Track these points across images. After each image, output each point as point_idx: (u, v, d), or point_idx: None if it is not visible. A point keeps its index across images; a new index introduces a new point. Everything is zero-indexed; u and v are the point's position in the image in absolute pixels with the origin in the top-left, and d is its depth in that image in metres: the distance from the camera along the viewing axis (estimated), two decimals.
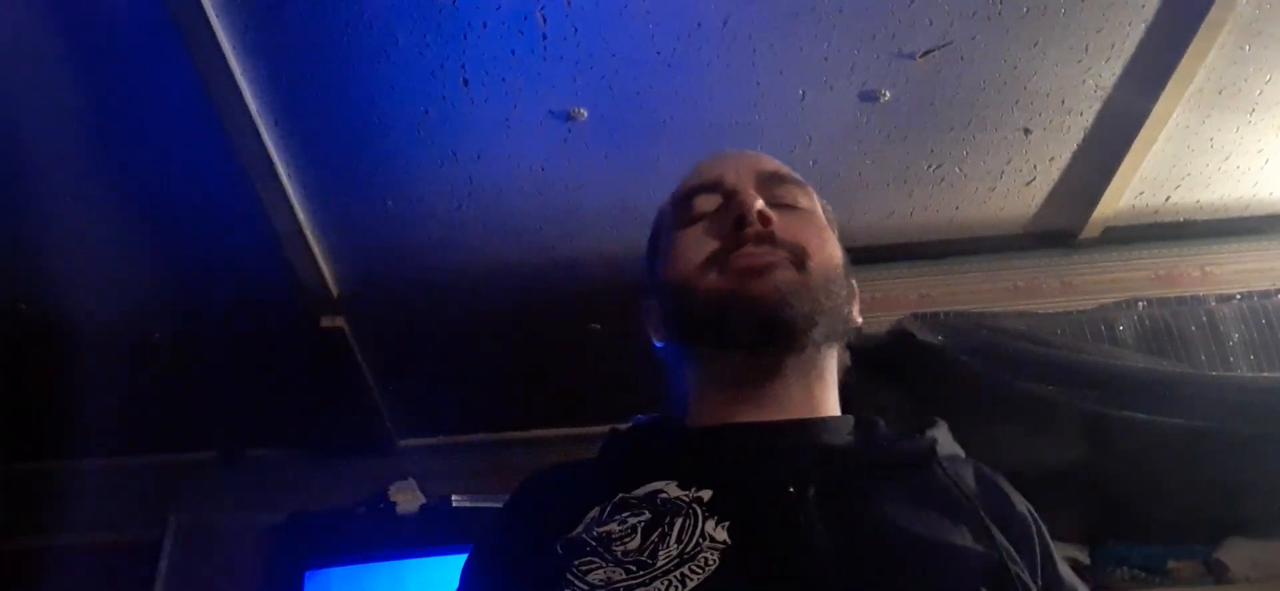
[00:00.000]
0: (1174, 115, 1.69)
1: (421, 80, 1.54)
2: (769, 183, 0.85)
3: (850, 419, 0.83)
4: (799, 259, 0.79)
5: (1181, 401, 1.73)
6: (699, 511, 0.69)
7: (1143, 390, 1.74)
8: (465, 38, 1.47)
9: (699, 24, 1.48)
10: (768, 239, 0.79)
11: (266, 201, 1.74)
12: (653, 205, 0.90)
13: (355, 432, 2.51)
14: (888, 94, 1.63)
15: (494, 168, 1.74)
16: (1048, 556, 0.78)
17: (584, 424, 2.75)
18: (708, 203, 0.84)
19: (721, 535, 0.67)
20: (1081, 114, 1.71)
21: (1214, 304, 1.93)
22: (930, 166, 1.83)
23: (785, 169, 0.89)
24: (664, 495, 0.71)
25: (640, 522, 0.69)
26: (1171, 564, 1.91)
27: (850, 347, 0.86)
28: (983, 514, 0.72)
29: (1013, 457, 1.89)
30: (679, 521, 0.68)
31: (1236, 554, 1.90)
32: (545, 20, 1.45)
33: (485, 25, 1.45)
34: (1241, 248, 2.01)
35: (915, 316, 1.91)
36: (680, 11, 1.45)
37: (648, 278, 0.93)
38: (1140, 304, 1.94)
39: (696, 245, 0.81)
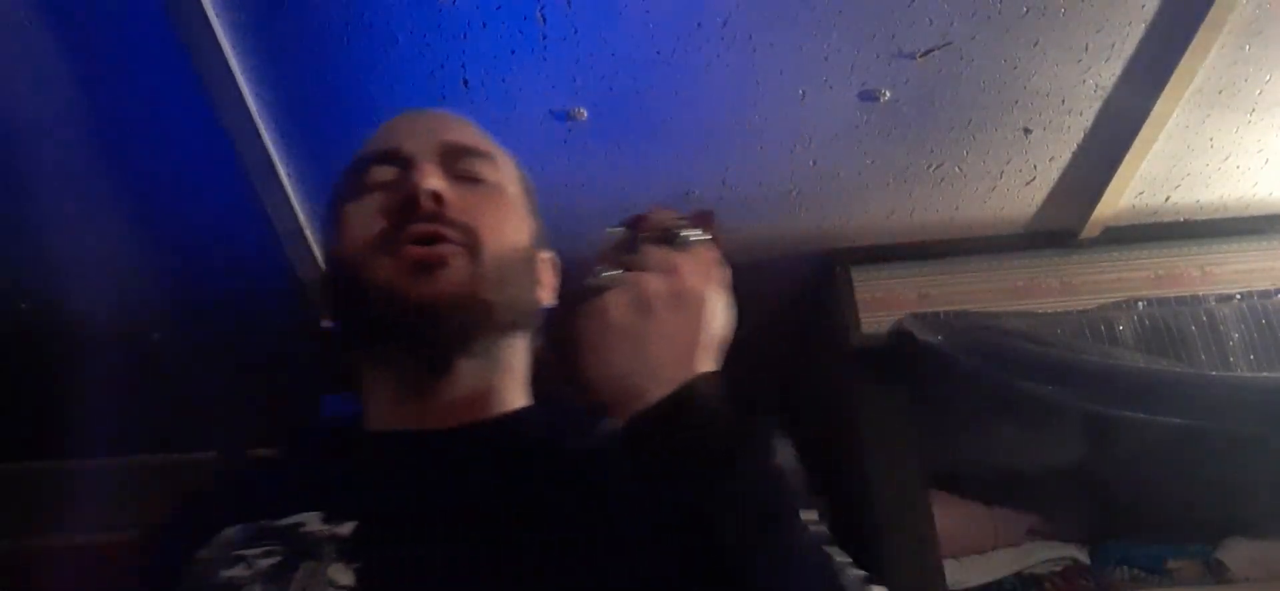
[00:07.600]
0: (1174, 115, 1.69)
1: (421, 80, 1.53)
2: (452, 155, 0.78)
3: (531, 410, 0.77)
4: (473, 243, 0.73)
5: (1181, 401, 1.73)
6: (332, 552, 0.63)
7: (1142, 390, 1.75)
8: (465, 38, 1.47)
9: (699, 24, 1.48)
10: (438, 220, 0.73)
11: (266, 201, 1.73)
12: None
13: None
14: (888, 94, 1.63)
15: None
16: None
17: None
18: (383, 173, 0.77)
19: (346, 580, 0.62)
20: (1081, 114, 1.71)
21: (1214, 304, 1.93)
22: (930, 166, 1.82)
23: (473, 138, 0.81)
24: (304, 529, 0.65)
25: (271, 566, 0.63)
26: (1171, 564, 1.91)
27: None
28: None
29: (1013, 457, 1.91)
30: (304, 566, 0.62)
31: (1236, 554, 1.91)
32: (545, 20, 1.45)
33: (485, 25, 1.45)
34: (1241, 248, 2.01)
35: (915, 316, 1.91)
36: (680, 11, 1.45)
37: (323, 251, 0.86)
38: (1140, 304, 1.95)
39: (366, 221, 0.74)
